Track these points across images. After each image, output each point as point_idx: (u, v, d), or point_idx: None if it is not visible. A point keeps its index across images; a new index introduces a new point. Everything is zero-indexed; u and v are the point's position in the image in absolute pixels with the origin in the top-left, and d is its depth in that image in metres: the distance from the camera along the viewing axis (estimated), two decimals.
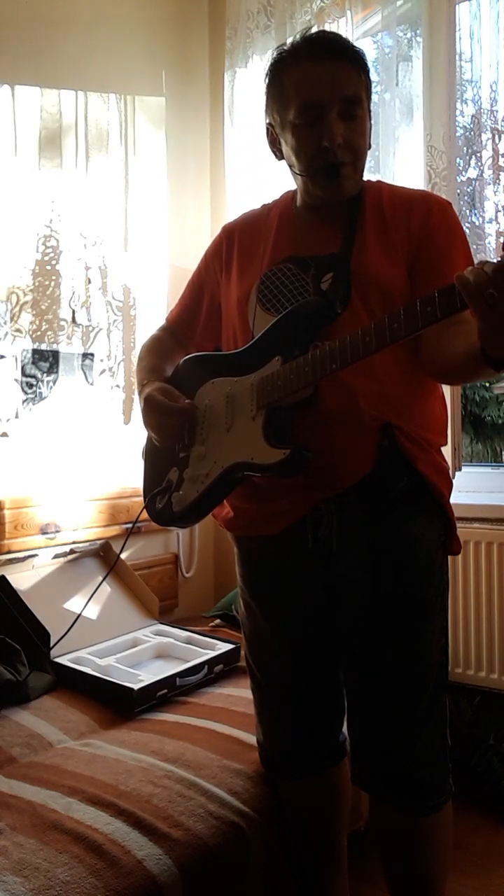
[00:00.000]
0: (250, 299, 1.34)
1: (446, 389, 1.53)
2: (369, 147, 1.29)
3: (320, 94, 1.21)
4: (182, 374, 1.44)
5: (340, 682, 1.39)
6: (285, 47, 1.28)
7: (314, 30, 2.46)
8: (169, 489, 1.37)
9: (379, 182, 1.37)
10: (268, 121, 1.32)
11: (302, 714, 1.39)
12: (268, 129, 1.33)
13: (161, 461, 1.42)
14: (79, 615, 1.98)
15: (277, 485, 1.28)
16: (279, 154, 1.33)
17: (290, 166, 1.30)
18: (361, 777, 1.33)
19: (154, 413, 1.34)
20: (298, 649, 1.36)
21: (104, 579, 2.11)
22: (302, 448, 1.19)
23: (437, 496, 1.27)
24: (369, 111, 1.27)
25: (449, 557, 1.34)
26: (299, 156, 1.25)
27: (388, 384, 1.23)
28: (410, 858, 1.32)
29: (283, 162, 1.33)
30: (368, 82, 1.27)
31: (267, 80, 1.30)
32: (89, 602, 1.98)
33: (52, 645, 1.93)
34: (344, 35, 2.36)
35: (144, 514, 1.44)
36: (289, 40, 1.34)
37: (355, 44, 1.28)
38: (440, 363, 1.20)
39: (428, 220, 1.26)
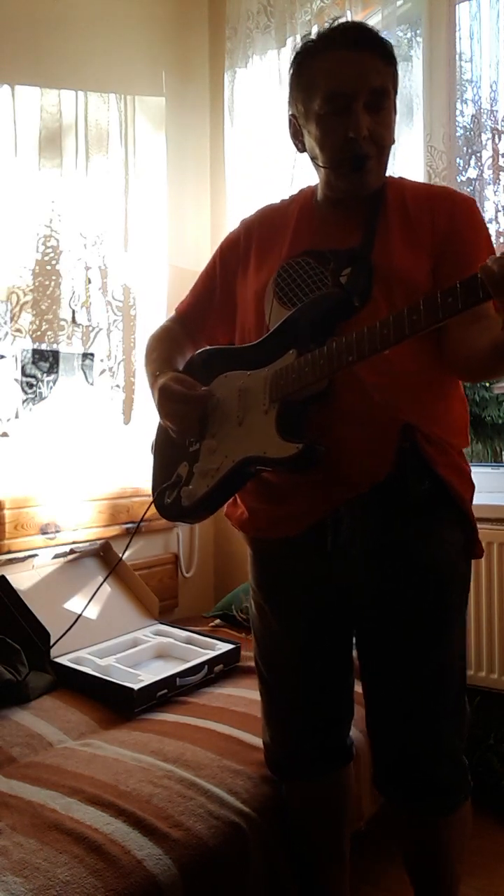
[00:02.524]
0: (267, 292, 1.31)
1: None
2: (393, 141, 1.26)
3: (348, 85, 1.18)
4: (194, 366, 1.42)
5: (350, 686, 1.38)
6: (312, 36, 1.25)
7: (314, 30, 2.48)
8: (178, 483, 1.35)
9: (401, 178, 1.35)
10: (291, 111, 1.29)
11: (311, 717, 1.37)
12: (290, 120, 1.30)
13: (171, 455, 1.39)
14: (79, 615, 1.99)
15: (294, 486, 1.26)
16: (301, 146, 1.30)
17: (313, 158, 1.28)
18: (381, 778, 1.32)
19: (170, 402, 1.31)
20: (310, 652, 1.33)
21: (105, 579, 2.11)
22: (315, 442, 1.16)
23: (458, 500, 1.24)
24: (395, 104, 1.25)
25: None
26: (323, 147, 1.23)
27: (407, 382, 1.21)
28: (433, 856, 1.33)
29: (305, 155, 1.30)
30: (396, 74, 1.24)
31: (292, 70, 1.27)
32: (90, 603, 1.98)
33: (51, 645, 1.93)
34: None
35: (147, 513, 1.42)
36: (314, 30, 1.32)
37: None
38: (462, 360, 1.19)
39: (453, 217, 1.24)
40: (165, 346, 1.47)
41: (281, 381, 1.21)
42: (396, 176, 1.36)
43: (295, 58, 1.26)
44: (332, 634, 1.33)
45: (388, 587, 1.24)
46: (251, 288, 1.36)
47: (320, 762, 1.40)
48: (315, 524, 1.26)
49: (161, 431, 1.43)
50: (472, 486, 1.29)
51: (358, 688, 1.40)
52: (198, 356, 1.43)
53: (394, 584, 1.23)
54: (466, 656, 1.33)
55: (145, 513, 1.47)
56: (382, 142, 1.22)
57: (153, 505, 1.41)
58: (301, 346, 1.20)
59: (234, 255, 1.44)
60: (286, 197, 1.43)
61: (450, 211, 1.24)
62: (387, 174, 1.29)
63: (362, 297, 1.20)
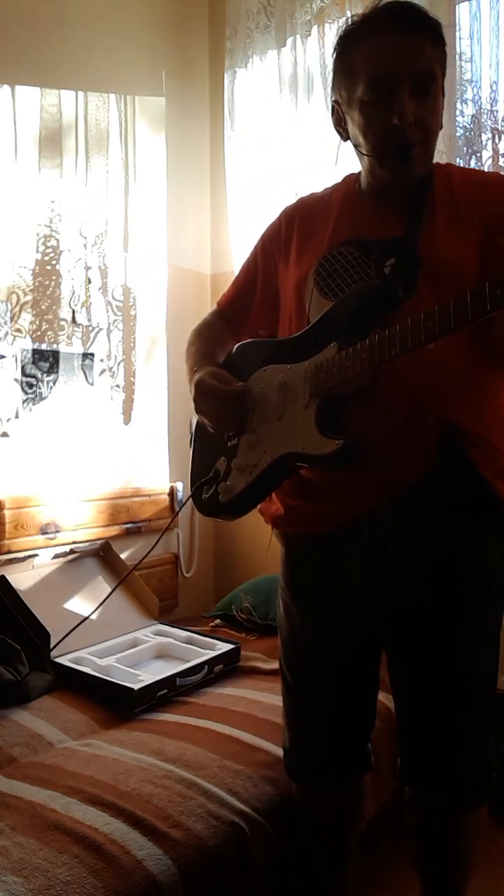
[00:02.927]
0: (307, 283, 1.26)
1: None
2: (440, 127, 1.20)
3: (391, 70, 1.12)
4: (234, 360, 1.39)
5: (375, 692, 1.36)
6: (356, 18, 1.19)
7: (314, 30, 2.48)
8: (216, 479, 1.32)
9: (448, 164, 1.30)
10: (334, 98, 1.24)
11: (333, 722, 1.34)
12: (333, 107, 1.25)
13: (209, 450, 1.37)
14: (85, 618, 1.96)
15: (331, 482, 1.23)
16: (344, 135, 1.26)
17: (356, 146, 1.23)
18: (407, 771, 1.30)
19: (206, 398, 1.28)
20: (337, 656, 1.30)
21: (120, 583, 2.11)
22: (356, 438, 1.12)
23: (499, 502, 1.19)
24: (443, 87, 1.19)
25: None
26: (367, 135, 1.18)
27: (452, 377, 1.16)
28: (449, 851, 1.31)
29: (349, 143, 1.27)
30: (444, 56, 1.18)
31: (335, 55, 1.22)
32: (99, 606, 1.98)
33: (52, 646, 1.93)
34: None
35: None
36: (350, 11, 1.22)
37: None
38: None
39: (503, 203, 1.18)
40: (205, 341, 1.43)
41: (321, 374, 1.17)
42: (444, 162, 1.30)
43: (338, 42, 1.21)
44: (360, 638, 1.30)
45: (424, 590, 1.21)
46: (292, 279, 1.32)
47: (340, 770, 1.37)
48: (351, 522, 1.22)
49: (199, 426, 1.40)
50: None
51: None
52: (237, 350, 1.40)
53: (431, 587, 1.20)
54: (498, 658, 1.29)
55: (179, 511, 1.42)
56: (429, 128, 1.17)
57: (191, 499, 1.38)
58: (342, 338, 1.15)
59: (275, 245, 1.39)
60: (328, 185, 1.38)
61: (499, 197, 1.19)
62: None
63: (407, 288, 1.15)
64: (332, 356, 1.16)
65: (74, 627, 1.94)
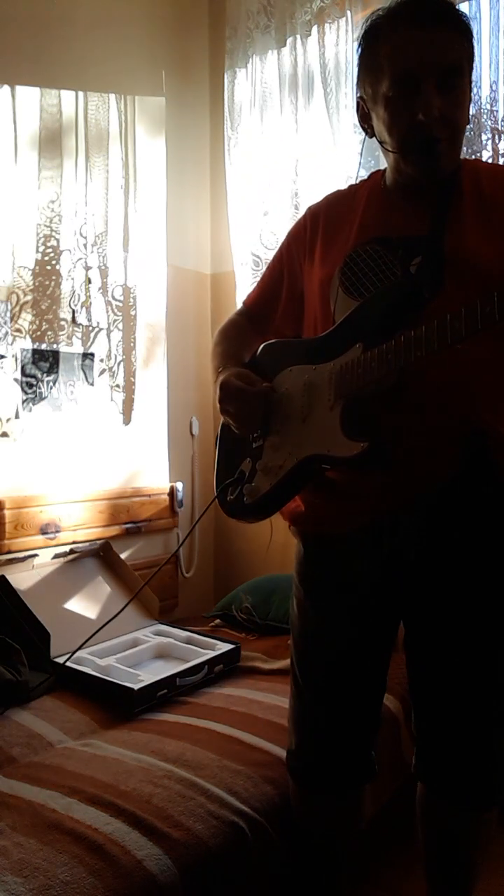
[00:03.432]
0: (332, 282, 1.25)
1: None
2: (468, 122, 1.18)
3: (417, 65, 1.10)
4: (259, 361, 1.37)
5: (382, 695, 1.35)
6: (380, 12, 1.17)
7: (314, 30, 2.48)
8: (241, 480, 1.30)
9: (476, 160, 1.29)
10: (358, 94, 1.23)
11: (342, 725, 1.32)
12: (358, 103, 1.24)
13: (234, 451, 1.35)
14: (100, 629, 1.79)
15: (354, 482, 1.21)
16: (370, 131, 1.24)
17: (382, 143, 1.21)
18: (423, 769, 1.30)
19: (231, 398, 1.27)
20: (351, 657, 1.29)
21: (145, 584, 2.09)
22: (382, 441, 1.11)
23: None
24: (470, 82, 1.17)
25: None
26: (392, 131, 1.16)
27: (479, 378, 1.15)
28: (460, 854, 1.31)
29: (374, 140, 1.24)
30: (471, 49, 1.16)
31: (360, 50, 1.20)
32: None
33: (68, 657, 1.87)
34: (343, 36, 2.37)
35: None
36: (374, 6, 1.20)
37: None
38: None
39: None
40: (230, 341, 1.42)
41: (347, 376, 1.16)
42: (471, 158, 1.29)
43: (362, 37, 1.19)
44: (374, 640, 1.29)
45: (446, 590, 1.20)
46: (317, 277, 1.30)
47: (345, 775, 1.35)
48: (372, 524, 1.21)
49: (224, 427, 1.39)
50: None
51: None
52: (261, 350, 1.38)
53: (452, 587, 1.20)
54: None
55: (206, 508, 1.40)
56: (456, 123, 1.15)
57: (216, 500, 1.37)
58: (368, 339, 1.14)
59: (300, 243, 1.38)
60: (354, 182, 1.38)
61: None
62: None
63: (433, 287, 1.13)
64: (357, 357, 1.14)
65: (91, 637, 1.79)
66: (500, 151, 2.13)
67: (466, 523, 1.19)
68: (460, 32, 1.14)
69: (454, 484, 1.17)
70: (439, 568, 1.20)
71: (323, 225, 1.34)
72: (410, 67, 1.11)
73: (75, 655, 1.95)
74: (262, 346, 1.39)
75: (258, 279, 1.51)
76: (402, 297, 1.15)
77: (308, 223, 1.38)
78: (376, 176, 1.33)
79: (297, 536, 1.37)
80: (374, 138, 1.25)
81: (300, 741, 1.37)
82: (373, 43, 1.17)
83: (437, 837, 1.33)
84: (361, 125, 1.26)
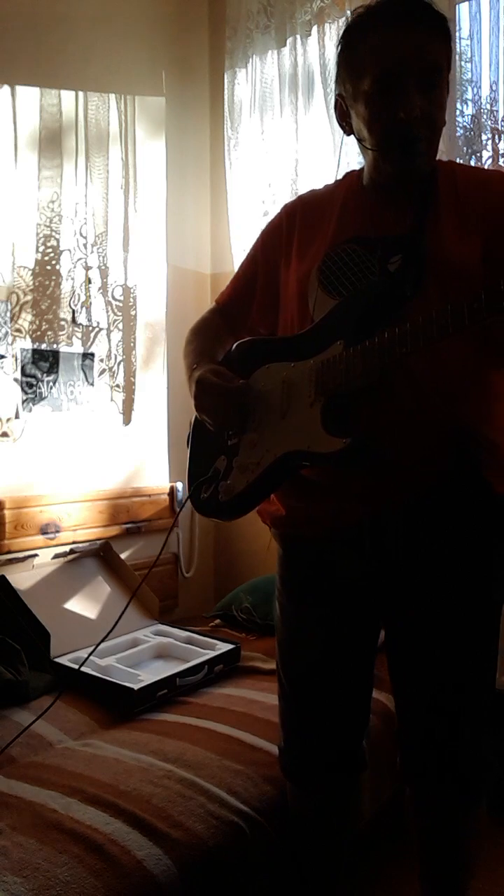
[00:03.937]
0: (310, 281, 1.25)
1: None
2: (444, 123, 1.19)
3: (398, 63, 1.11)
4: (235, 357, 1.36)
5: (369, 692, 1.36)
6: (361, 10, 1.17)
7: (314, 30, 2.48)
8: (216, 478, 1.30)
9: (451, 162, 1.29)
10: (338, 91, 1.23)
11: (328, 722, 1.33)
12: (337, 100, 1.24)
13: (208, 449, 1.35)
14: (105, 637, 1.75)
15: (334, 483, 1.21)
16: (348, 129, 1.24)
17: (360, 140, 1.21)
18: (409, 770, 1.30)
19: (207, 395, 1.26)
20: (334, 656, 1.30)
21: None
22: (365, 437, 1.11)
23: None
24: (448, 82, 1.17)
25: None
26: (372, 129, 1.16)
27: (460, 375, 1.15)
28: (450, 852, 1.31)
29: (352, 138, 1.25)
30: (450, 50, 1.16)
31: (339, 48, 1.20)
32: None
33: (81, 664, 1.80)
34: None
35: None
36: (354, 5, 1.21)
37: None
38: None
39: None
40: (204, 338, 1.42)
41: (329, 372, 1.15)
42: (446, 160, 1.29)
43: (343, 35, 1.20)
44: (357, 640, 1.30)
45: (427, 591, 1.20)
46: (294, 276, 1.30)
47: (334, 770, 1.37)
48: (354, 525, 1.21)
49: (198, 423, 1.38)
50: None
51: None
52: (238, 347, 1.37)
53: (433, 588, 1.19)
54: (496, 659, 1.29)
55: (181, 507, 1.40)
56: (434, 123, 1.16)
57: (189, 500, 1.36)
58: (349, 336, 1.14)
59: (275, 241, 1.37)
60: (330, 181, 1.37)
61: (502, 194, 1.18)
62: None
63: (413, 286, 1.14)
64: (339, 354, 1.15)
65: (98, 643, 1.73)
66: (501, 151, 2.13)
67: (450, 524, 1.19)
68: (440, 33, 1.15)
69: (439, 484, 1.17)
70: (421, 569, 1.20)
71: (300, 223, 1.34)
72: (392, 66, 1.12)
73: (75, 655, 1.96)
74: (236, 343, 1.39)
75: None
76: (384, 295, 1.16)
77: (284, 221, 1.37)
78: (353, 175, 1.33)
79: (278, 539, 1.37)
80: (352, 136, 1.25)
81: (288, 739, 1.39)
82: (354, 41, 1.17)
83: (426, 837, 1.34)
84: (340, 123, 1.26)
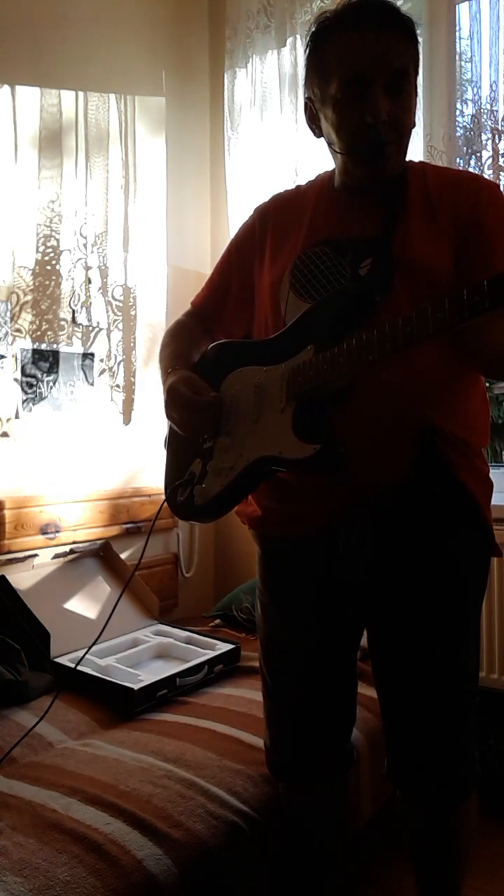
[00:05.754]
0: (282, 284, 1.26)
1: None
2: (414, 125, 1.20)
3: (365, 67, 1.12)
4: (208, 361, 1.37)
5: (354, 690, 1.36)
6: (327, 14, 1.18)
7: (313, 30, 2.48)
8: (191, 481, 1.31)
9: (423, 163, 1.30)
10: (307, 95, 1.24)
11: (313, 722, 1.33)
12: (306, 104, 1.25)
13: (184, 452, 1.36)
14: (101, 632, 1.70)
15: (309, 485, 1.22)
16: (318, 131, 1.25)
17: (330, 144, 1.22)
18: (396, 772, 1.31)
19: (177, 407, 1.27)
20: (315, 656, 1.31)
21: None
22: (335, 443, 1.12)
23: (475, 503, 1.20)
24: (416, 85, 1.18)
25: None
26: (340, 133, 1.17)
27: (430, 380, 1.16)
28: (442, 850, 1.32)
29: (321, 141, 1.26)
30: (417, 53, 1.17)
31: (307, 51, 1.21)
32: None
33: (77, 663, 1.83)
34: None
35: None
36: (326, 6, 1.23)
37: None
38: (488, 355, 1.13)
39: (477, 203, 1.18)
40: (179, 341, 1.42)
41: (299, 378, 1.16)
42: (418, 161, 1.29)
43: (310, 38, 1.20)
44: (338, 638, 1.31)
45: (403, 591, 1.21)
46: (267, 279, 1.31)
47: (321, 767, 1.37)
48: (329, 525, 1.22)
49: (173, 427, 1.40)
50: (490, 488, 1.25)
51: (363, 689, 1.39)
52: (211, 350, 1.38)
53: (409, 587, 1.21)
54: (479, 655, 1.31)
55: (159, 510, 1.42)
56: (402, 127, 1.17)
57: (165, 502, 1.37)
58: (320, 341, 1.14)
59: (249, 243, 1.38)
60: (301, 183, 1.37)
61: (474, 197, 1.19)
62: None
63: (383, 289, 1.15)
64: (309, 359, 1.15)
65: (97, 639, 1.70)
66: (501, 151, 2.13)
67: (420, 523, 1.20)
68: (406, 37, 1.15)
69: (409, 485, 1.18)
70: (396, 568, 1.21)
71: (272, 225, 1.35)
72: (359, 70, 1.12)
73: (75, 655, 1.95)
74: (211, 346, 1.39)
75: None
76: (353, 299, 1.16)
77: (257, 223, 1.38)
78: (324, 177, 1.33)
79: (256, 539, 1.39)
80: (321, 139, 1.26)
81: (273, 737, 1.40)
82: (321, 44, 1.18)
83: (417, 837, 1.35)
84: (310, 126, 1.27)
